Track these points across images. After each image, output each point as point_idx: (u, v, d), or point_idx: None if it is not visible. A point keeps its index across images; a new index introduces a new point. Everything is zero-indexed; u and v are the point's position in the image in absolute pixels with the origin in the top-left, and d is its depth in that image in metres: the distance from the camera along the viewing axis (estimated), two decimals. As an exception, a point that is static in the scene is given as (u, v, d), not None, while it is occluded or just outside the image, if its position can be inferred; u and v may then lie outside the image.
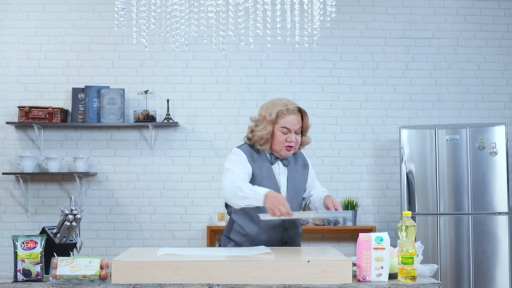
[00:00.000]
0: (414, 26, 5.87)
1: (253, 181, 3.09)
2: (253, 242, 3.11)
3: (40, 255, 2.44)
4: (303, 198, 3.27)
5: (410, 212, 2.47)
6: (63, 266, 2.41)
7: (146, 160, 5.75)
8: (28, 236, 2.48)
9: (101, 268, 2.42)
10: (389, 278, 2.44)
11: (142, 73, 5.80)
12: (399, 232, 2.43)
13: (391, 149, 5.80)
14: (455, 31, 5.88)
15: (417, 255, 2.49)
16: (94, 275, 2.40)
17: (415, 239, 2.44)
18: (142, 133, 5.77)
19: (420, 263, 2.61)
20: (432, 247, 5.17)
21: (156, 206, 5.75)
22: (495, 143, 5.18)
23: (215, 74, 5.81)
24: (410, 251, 2.39)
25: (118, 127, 5.74)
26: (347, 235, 5.73)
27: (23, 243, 2.45)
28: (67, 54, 5.79)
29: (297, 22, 3.44)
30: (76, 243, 2.80)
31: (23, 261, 2.43)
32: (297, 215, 2.96)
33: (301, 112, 3.15)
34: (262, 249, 2.75)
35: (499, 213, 5.16)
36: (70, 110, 5.72)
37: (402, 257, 2.40)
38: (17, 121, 5.63)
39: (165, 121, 5.64)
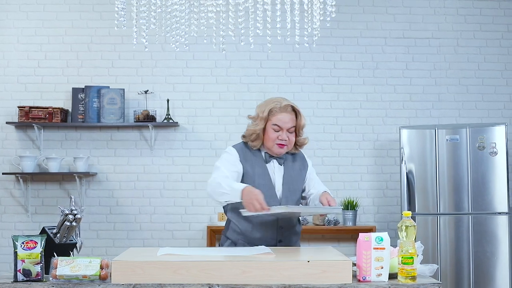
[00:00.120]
0: (414, 26, 5.87)
1: (245, 179, 3.12)
2: (247, 239, 3.13)
3: (40, 255, 2.44)
4: (304, 198, 3.28)
5: (410, 212, 2.47)
6: (63, 266, 2.41)
7: (146, 160, 5.75)
8: (28, 236, 2.48)
9: (101, 268, 2.42)
10: (389, 278, 2.44)
11: (142, 73, 5.80)
12: (399, 232, 2.43)
13: (391, 149, 5.80)
14: (455, 31, 5.88)
15: (417, 255, 2.49)
16: (94, 275, 2.40)
17: (415, 239, 2.44)
18: (142, 133, 5.77)
19: (420, 263, 2.61)
20: (432, 247, 5.17)
21: (156, 206, 5.75)
22: (495, 143, 5.18)
23: (215, 74, 5.81)
24: (410, 251, 2.39)
25: (118, 127, 5.74)
26: (347, 235, 5.73)
27: (23, 243, 2.45)
28: (67, 54, 5.79)
29: (297, 22, 3.44)
30: (76, 243, 2.80)
31: (23, 261, 2.43)
32: (275, 209, 2.91)
33: (295, 111, 3.16)
34: (262, 249, 2.75)
35: (499, 213, 5.16)
36: (70, 110, 5.72)
37: (402, 257, 2.40)
38: (17, 121, 5.63)
39: (165, 121, 5.65)
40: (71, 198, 2.80)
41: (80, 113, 5.65)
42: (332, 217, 5.58)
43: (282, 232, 3.16)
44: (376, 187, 5.81)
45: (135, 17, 3.41)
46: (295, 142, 3.21)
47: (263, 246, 2.86)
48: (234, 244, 3.18)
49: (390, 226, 5.72)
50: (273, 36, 3.59)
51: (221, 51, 3.80)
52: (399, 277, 2.42)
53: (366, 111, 5.83)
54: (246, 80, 5.81)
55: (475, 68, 5.87)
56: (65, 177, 5.73)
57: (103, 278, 2.41)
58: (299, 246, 3.29)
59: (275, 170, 3.18)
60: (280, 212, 2.95)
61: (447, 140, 5.23)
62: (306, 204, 3.30)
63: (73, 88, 5.68)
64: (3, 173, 5.62)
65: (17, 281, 2.43)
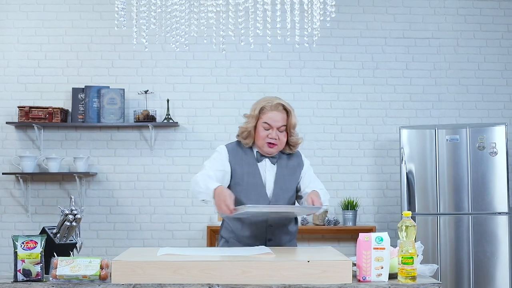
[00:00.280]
0: (414, 26, 5.87)
1: (233, 177, 3.14)
2: (237, 238, 3.16)
3: (40, 255, 2.44)
4: (301, 197, 3.25)
5: (410, 212, 2.47)
6: (63, 266, 2.41)
7: (146, 160, 5.75)
8: (28, 236, 2.48)
9: (101, 268, 2.42)
10: (389, 278, 2.44)
11: (142, 73, 5.80)
12: (399, 232, 2.43)
13: (391, 149, 5.80)
14: (455, 31, 5.88)
15: (417, 255, 2.49)
16: (94, 275, 2.40)
17: (415, 239, 2.44)
18: (142, 133, 5.77)
19: (420, 263, 2.61)
20: (432, 247, 5.17)
21: (156, 206, 5.75)
22: (495, 143, 5.18)
23: (215, 74, 5.81)
24: (410, 251, 2.39)
25: (118, 127, 5.74)
26: (347, 235, 5.73)
27: (23, 243, 2.45)
28: (67, 54, 5.79)
29: (297, 22, 3.44)
30: (76, 243, 2.80)
31: (23, 261, 2.43)
32: (242, 209, 2.86)
33: (286, 110, 3.15)
34: (262, 249, 2.75)
35: (499, 213, 5.16)
36: (70, 110, 5.72)
37: (402, 257, 2.40)
38: (17, 121, 5.63)
39: (165, 121, 5.64)
40: (71, 198, 2.80)
41: (80, 113, 5.65)
42: (332, 217, 5.58)
43: (272, 230, 3.16)
44: (376, 187, 5.81)
45: (135, 17, 3.41)
46: (287, 142, 3.19)
47: (263, 246, 2.87)
48: (227, 242, 3.21)
49: (390, 226, 5.72)
50: (273, 36, 3.59)
51: (221, 51, 3.80)
52: (399, 277, 2.42)
53: (366, 111, 5.83)
54: (246, 80, 5.81)
55: (475, 68, 5.87)
56: (65, 177, 5.73)
57: (103, 278, 2.41)
58: (295, 246, 3.28)
59: (267, 169, 3.17)
60: (251, 211, 2.92)
61: (447, 140, 5.23)
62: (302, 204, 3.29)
63: (73, 88, 5.68)
64: (3, 173, 5.62)
65: (17, 281, 2.43)
